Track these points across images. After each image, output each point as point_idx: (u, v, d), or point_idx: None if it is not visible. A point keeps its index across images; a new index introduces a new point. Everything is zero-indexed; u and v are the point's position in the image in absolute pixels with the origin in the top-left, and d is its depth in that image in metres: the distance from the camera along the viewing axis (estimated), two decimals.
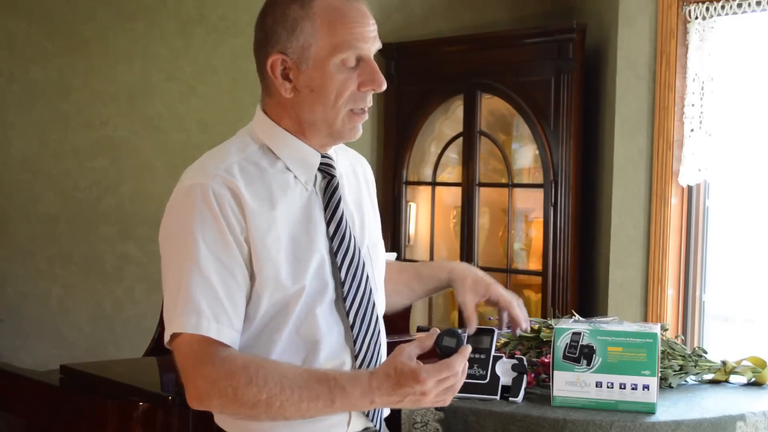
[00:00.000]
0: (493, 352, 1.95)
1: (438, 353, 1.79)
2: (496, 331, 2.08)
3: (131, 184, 4.95)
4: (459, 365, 1.76)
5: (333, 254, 1.91)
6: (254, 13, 1.94)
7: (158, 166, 4.95)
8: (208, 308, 1.78)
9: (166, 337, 1.82)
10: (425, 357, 1.80)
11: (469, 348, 1.80)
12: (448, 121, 5.12)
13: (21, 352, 4.74)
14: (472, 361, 1.86)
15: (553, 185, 4.58)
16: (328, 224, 1.91)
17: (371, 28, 1.88)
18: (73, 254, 4.89)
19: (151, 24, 4.94)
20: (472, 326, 2.15)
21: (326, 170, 1.95)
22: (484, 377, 2.07)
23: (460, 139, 4.97)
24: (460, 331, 1.82)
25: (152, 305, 4.28)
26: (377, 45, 1.89)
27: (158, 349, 3.35)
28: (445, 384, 1.76)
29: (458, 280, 2.21)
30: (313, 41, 1.85)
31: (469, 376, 1.86)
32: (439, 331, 1.81)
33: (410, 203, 5.24)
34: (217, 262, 1.80)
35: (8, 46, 4.80)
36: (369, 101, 1.89)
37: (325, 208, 1.93)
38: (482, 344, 1.89)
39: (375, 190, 2.15)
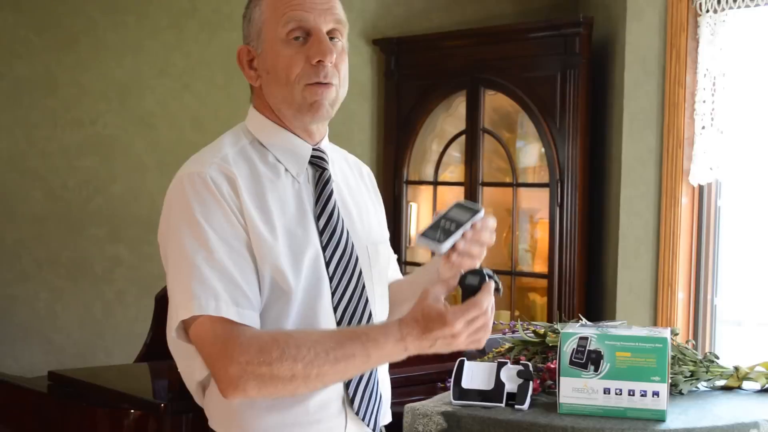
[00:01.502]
0: (463, 229, 1.78)
1: (462, 293, 1.79)
2: (482, 213, 1.89)
3: (122, 184, 4.96)
4: (486, 302, 1.77)
5: (323, 248, 1.91)
6: None
7: (150, 164, 4.97)
8: (225, 292, 1.78)
9: (173, 329, 1.80)
10: None
11: (492, 284, 1.80)
12: (451, 118, 5.12)
13: (8, 358, 4.74)
14: (438, 228, 1.84)
15: (559, 184, 4.58)
16: (318, 218, 1.92)
17: (319, 1, 1.91)
18: (61, 256, 4.89)
19: (142, 17, 4.95)
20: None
21: (318, 163, 1.97)
22: (435, 238, 1.82)
23: (463, 137, 4.98)
24: (485, 270, 1.82)
25: (144, 309, 4.30)
26: (331, 19, 1.91)
27: (150, 354, 3.39)
28: (475, 324, 1.76)
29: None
30: (261, 23, 1.93)
31: (424, 234, 1.84)
32: (463, 271, 1.82)
33: (411, 203, 5.25)
34: (226, 245, 1.81)
35: None
36: (326, 75, 1.90)
37: (316, 202, 1.94)
38: (460, 218, 1.83)
39: (379, 195, 2.19)
